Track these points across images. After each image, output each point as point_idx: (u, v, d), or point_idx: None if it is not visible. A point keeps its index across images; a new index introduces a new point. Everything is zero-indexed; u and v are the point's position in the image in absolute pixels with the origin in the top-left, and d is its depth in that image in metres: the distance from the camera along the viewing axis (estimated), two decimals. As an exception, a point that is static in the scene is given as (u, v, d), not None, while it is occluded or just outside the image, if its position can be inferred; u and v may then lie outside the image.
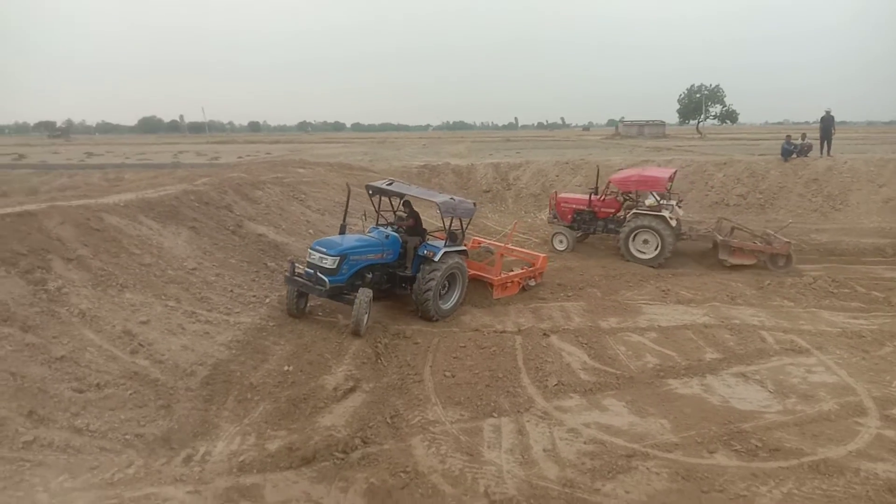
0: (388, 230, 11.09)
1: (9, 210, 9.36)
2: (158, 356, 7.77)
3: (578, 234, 17.88)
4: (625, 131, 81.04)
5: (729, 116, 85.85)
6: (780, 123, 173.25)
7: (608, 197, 17.34)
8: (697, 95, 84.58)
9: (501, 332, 10.15)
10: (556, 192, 18.79)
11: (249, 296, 10.38)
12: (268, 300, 10.42)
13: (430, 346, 9.52)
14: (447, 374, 8.48)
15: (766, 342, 9.77)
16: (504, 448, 6.63)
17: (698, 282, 13.56)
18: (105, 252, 9.41)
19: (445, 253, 10.72)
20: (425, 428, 7.04)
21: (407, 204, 11.72)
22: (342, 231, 11.05)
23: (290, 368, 8.26)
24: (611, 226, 16.97)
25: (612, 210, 17.17)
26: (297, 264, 10.18)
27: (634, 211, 16.06)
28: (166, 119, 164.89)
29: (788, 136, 23.93)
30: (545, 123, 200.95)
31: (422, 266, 10.69)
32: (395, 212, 12.01)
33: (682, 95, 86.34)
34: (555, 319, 10.92)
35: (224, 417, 6.99)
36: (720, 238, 15.71)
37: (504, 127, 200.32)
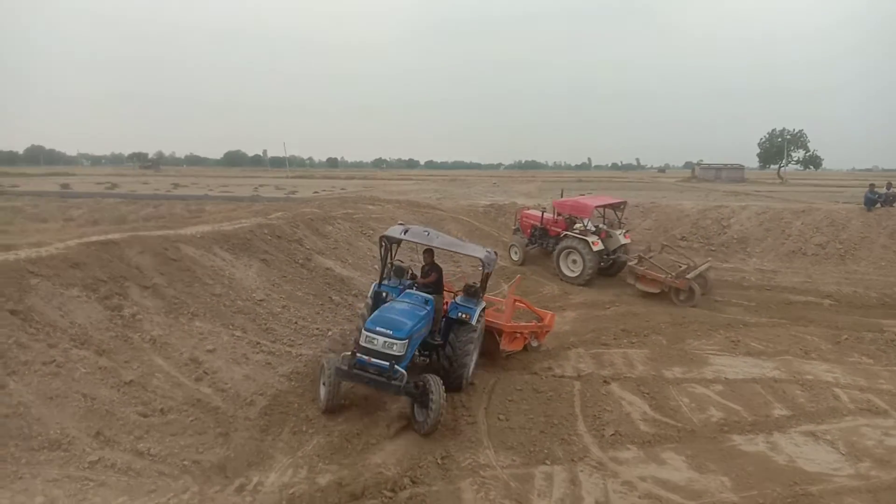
0: (415, 290, 9.38)
1: (94, 238, 9.97)
2: (221, 384, 8.05)
3: (535, 248, 19.92)
4: (701, 174, 79.52)
5: (812, 162, 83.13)
6: (867, 170, 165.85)
7: (558, 218, 19.30)
8: (779, 140, 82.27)
9: (560, 377, 9.97)
10: (521, 208, 22.08)
11: (313, 328, 10.62)
12: (330, 333, 10.63)
13: (486, 387, 9.44)
14: (501, 417, 8.39)
15: (839, 400, 9.22)
16: (554, 497, 6.50)
17: (771, 333, 12.99)
18: (179, 281, 9.87)
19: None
20: (475, 471, 6.97)
21: (429, 254, 10.13)
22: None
23: (346, 403, 8.37)
24: (559, 243, 18.52)
25: (560, 229, 18.88)
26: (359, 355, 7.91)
27: (565, 233, 18.17)
28: (250, 153, 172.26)
29: (872, 185, 22.88)
30: (619, 164, 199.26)
31: (453, 330, 9.23)
32: (392, 263, 9.88)
33: (764, 139, 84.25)
34: (616, 366, 10.64)
35: (279, 448, 7.14)
36: (630, 264, 16.87)
37: (577, 167, 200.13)
